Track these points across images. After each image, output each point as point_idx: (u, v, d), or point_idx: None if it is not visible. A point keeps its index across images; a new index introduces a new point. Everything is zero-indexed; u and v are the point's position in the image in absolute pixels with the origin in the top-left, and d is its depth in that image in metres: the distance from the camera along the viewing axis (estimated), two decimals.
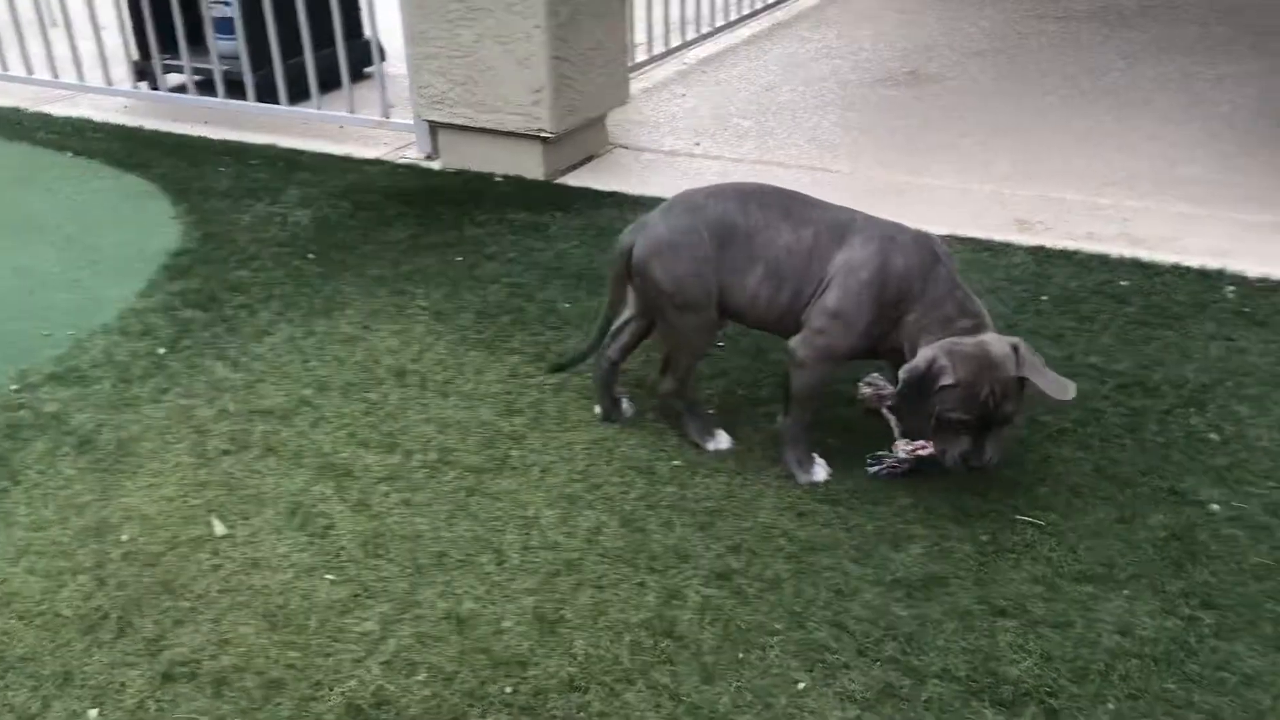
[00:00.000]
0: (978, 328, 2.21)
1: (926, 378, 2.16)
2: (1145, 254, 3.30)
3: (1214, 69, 5.03)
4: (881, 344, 2.31)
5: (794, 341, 2.34)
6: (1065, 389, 2.18)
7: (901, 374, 2.21)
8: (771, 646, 1.97)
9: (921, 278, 2.25)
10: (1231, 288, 3.09)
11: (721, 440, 2.51)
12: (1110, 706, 1.82)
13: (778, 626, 2.02)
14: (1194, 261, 3.24)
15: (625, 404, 2.65)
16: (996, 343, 2.18)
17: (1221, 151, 4.07)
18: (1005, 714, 1.82)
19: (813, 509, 2.31)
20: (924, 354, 2.18)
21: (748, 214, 2.36)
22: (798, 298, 2.33)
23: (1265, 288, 3.08)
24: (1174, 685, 1.86)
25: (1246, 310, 2.97)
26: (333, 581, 2.16)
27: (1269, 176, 3.83)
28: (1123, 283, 3.14)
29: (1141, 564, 2.12)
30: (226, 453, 2.56)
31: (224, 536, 2.29)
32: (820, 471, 2.40)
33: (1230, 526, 2.20)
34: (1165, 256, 3.28)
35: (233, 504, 2.39)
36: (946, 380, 2.14)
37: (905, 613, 2.03)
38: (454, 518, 2.32)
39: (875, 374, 2.62)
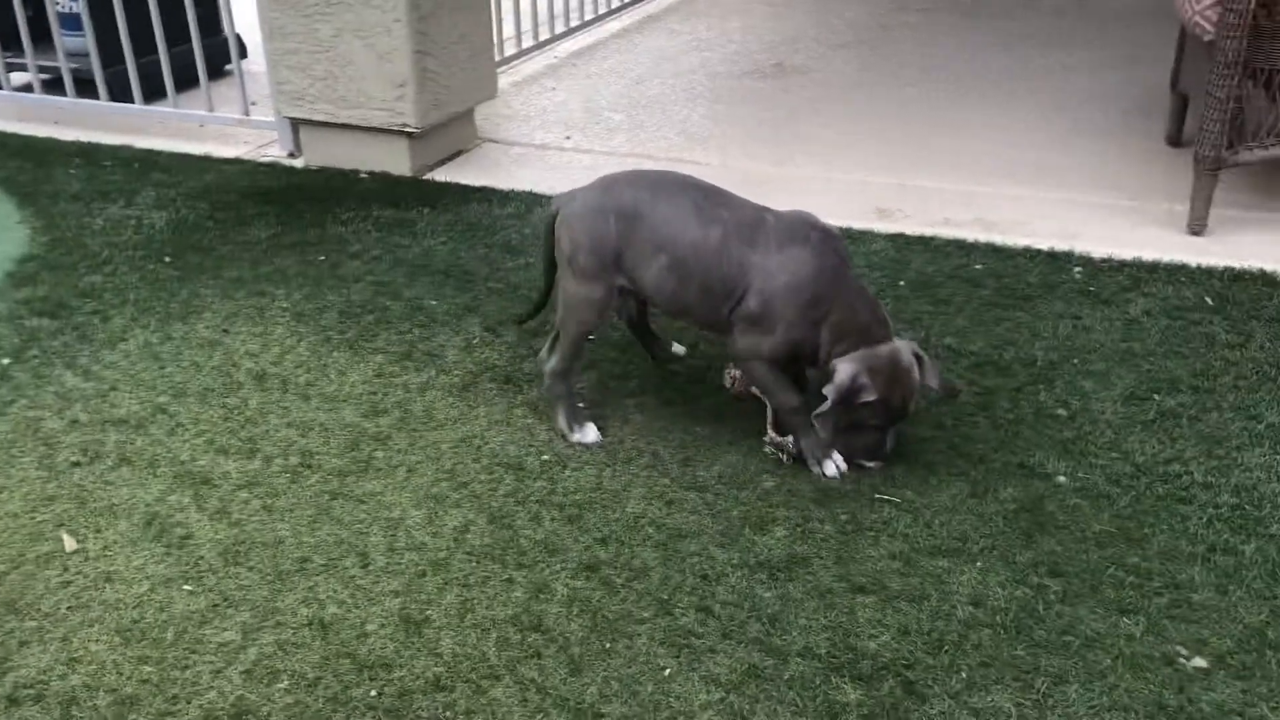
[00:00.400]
0: (886, 335, 2.33)
1: (850, 394, 2.28)
2: (998, 238, 3.42)
3: (1065, 58, 5.23)
4: (802, 347, 2.37)
5: (732, 341, 2.41)
6: (940, 381, 2.41)
7: (828, 393, 2.29)
8: (639, 635, 1.99)
9: (835, 281, 2.33)
10: (1078, 268, 3.22)
11: (588, 434, 2.51)
12: (963, 675, 1.89)
13: (645, 614, 2.03)
14: (1043, 244, 3.37)
15: (676, 347, 2.83)
16: (904, 350, 2.32)
17: (1070, 138, 4.24)
18: (864, 688, 1.87)
19: (680, 497, 2.34)
20: (845, 371, 2.29)
21: (655, 205, 2.40)
22: (706, 294, 2.38)
23: (1109, 267, 3.22)
24: (1022, 651, 1.93)
25: (1092, 289, 3.10)
26: (191, 592, 2.10)
27: (1112, 161, 4.00)
28: (977, 266, 3.25)
29: (993, 536, 2.20)
30: (77, 464, 2.47)
31: (74, 551, 2.21)
32: (831, 466, 2.39)
33: (1076, 497, 2.30)
34: (1017, 240, 3.41)
35: (84, 517, 2.31)
36: (869, 397, 2.28)
37: (769, 594, 2.07)
38: (317, 522, 2.28)
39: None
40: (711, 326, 2.46)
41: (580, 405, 2.59)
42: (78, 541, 2.24)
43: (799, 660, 1.93)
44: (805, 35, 5.81)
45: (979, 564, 2.13)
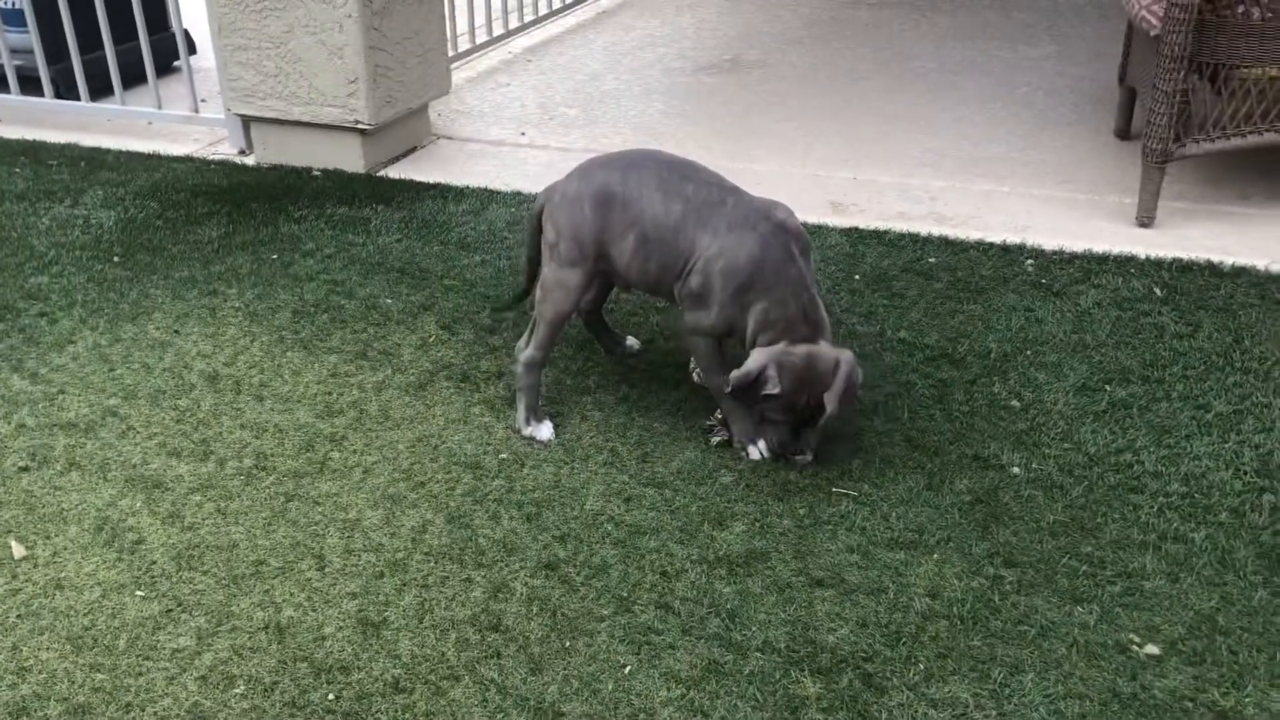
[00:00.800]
0: (814, 336, 2.33)
1: (755, 384, 2.30)
2: (951, 232, 3.45)
3: (1015, 52, 5.29)
4: (735, 328, 2.40)
5: (679, 318, 2.47)
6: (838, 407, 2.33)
7: (732, 378, 2.32)
8: (599, 632, 1.99)
9: (773, 272, 2.33)
10: (1031, 261, 3.25)
11: (542, 431, 2.51)
12: (921, 667, 1.90)
13: (605, 612, 2.03)
14: (996, 237, 3.40)
15: (630, 340, 2.85)
16: (825, 355, 2.31)
17: (1020, 131, 4.28)
18: (824, 681, 1.88)
19: (639, 493, 2.34)
20: (755, 360, 2.31)
21: (626, 183, 2.44)
22: (665, 270, 2.43)
23: (1060, 260, 3.25)
24: (979, 642, 1.95)
25: (1044, 282, 3.13)
26: (143, 598, 2.07)
27: (1062, 153, 4.05)
28: (931, 260, 3.27)
29: (949, 528, 2.22)
30: (25, 470, 2.42)
31: (23, 558, 2.17)
32: (755, 451, 2.43)
33: (1030, 488, 2.33)
34: (970, 233, 3.44)
35: (33, 523, 2.26)
36: (771, 390, 2.30)
37: (728, 589, 2.08)
38: (272, 525, 2.26)
39: None
40: (667, 298, 2.51)
41: (540, 403, 2.58)
42: (26, 548, 2.20)
43: (759, 655, 1.93)
44: (758, 30, 5.82)
45: (935, 556, 2.15)
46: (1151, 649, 1.93)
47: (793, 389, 2.29)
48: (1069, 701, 1.83)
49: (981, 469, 2.39)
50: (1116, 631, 1.96)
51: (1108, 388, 2.65)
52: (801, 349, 2.31)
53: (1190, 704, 1.82)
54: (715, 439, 2.48)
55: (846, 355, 2.32)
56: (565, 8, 6.09)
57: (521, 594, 2.07)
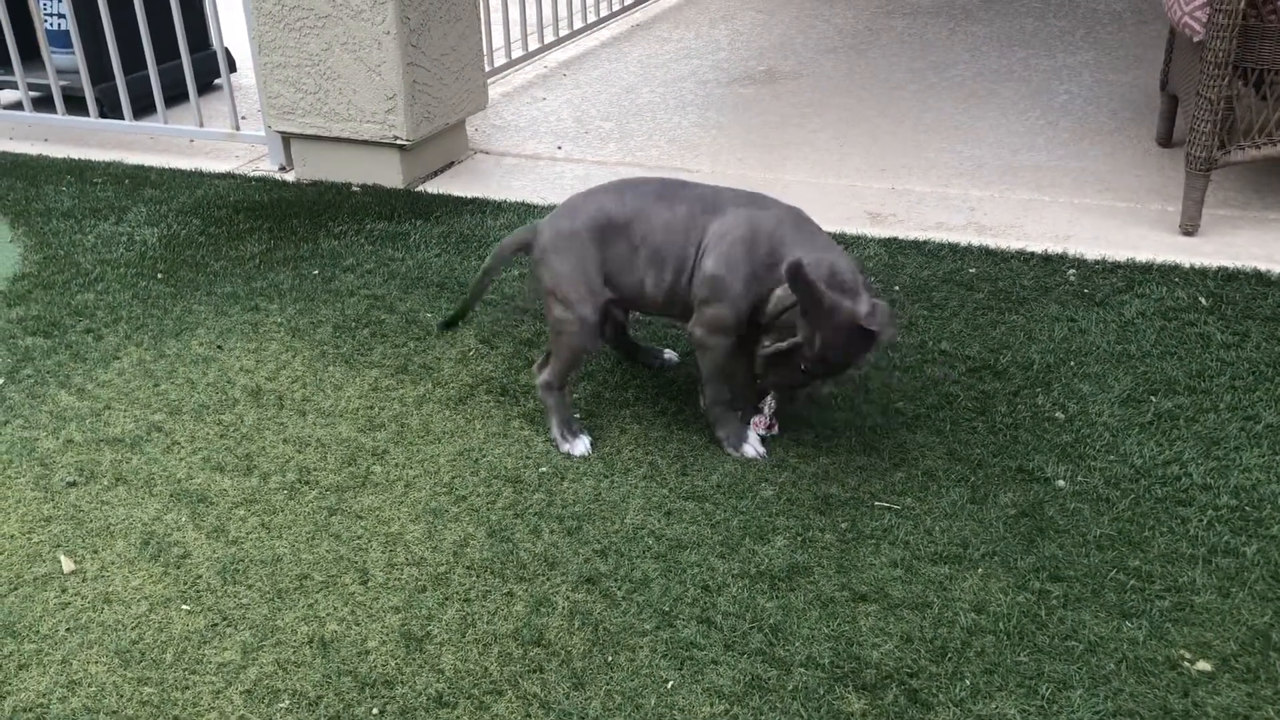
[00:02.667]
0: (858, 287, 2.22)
1: (821, 286, 2.15)
2: (992, 241, 3.42)
3: (1052, 59, 5.25)
4: (758, 310, 2.32)
5: (691, 324, 2.41)
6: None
7: (884, 328, 2.20)
8: (641, 647, 1.98)
9: (793, 240, 2.28)
10: (1073, 270, 3.22)
11: (578, 446, 2.51)
12: (967, 683, 1.88)
13: (646, 627, 2.03)
14: (1037, 246, 3.37)
15: (668, 354, 2.82)
16: (867, 305, 2.22)
17: (1061, 140, 4.25)
18: (868, 697, 1.86)
19: (679, 507, 2.33)
20: (882, 310, 2.20)
21: (624, 203, 2.43)
22: (681, 274, 2.40)
23: (1103, 269, 3.22)
24: (1025, 657, 1.93)
25: (1086, 291, 3.10)
26: (189, 612, 2.09)
27: (1103, 161, 4.01)
28: (971, 270, 3.25)
29: (994, 542, 2.19)
30: (73, 485, 2.45)
31: (72, 573, 2.20)
32: (750, 449, 2.45)
33: (1075, 501, 2.30)
34: (1011, 243, 3.41)
35: (81, 538, 2.29)
36: (828, 303, 2.17)
37: (770, 604, 2.06)
38: (315, 539, 2.27)
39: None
40: (683, 314, 2.46)
41: (575, 416, 2.58)
42: (75, 563, 2.23)
43: (802, 670, 1.92)
44: (793, 41, 5.81)
45: (980, 570, 2.13)
46: (1203, 665, 1.90)
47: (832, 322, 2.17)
48: (1119, 719, 1.80)
49: (1026, 482, 2.36)
50: (1167, 647, 1.93)
51: (1153, 399, 2.61)
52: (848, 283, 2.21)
53: None
54: (771, 434, 2.50)
55: (884, 304, 2.23)
56: (600, 21, 6.12)
57: (563, 608, 2.07)
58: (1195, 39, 3.25)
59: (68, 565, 2.22)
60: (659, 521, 2.29)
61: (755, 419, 2.53)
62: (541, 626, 2.03)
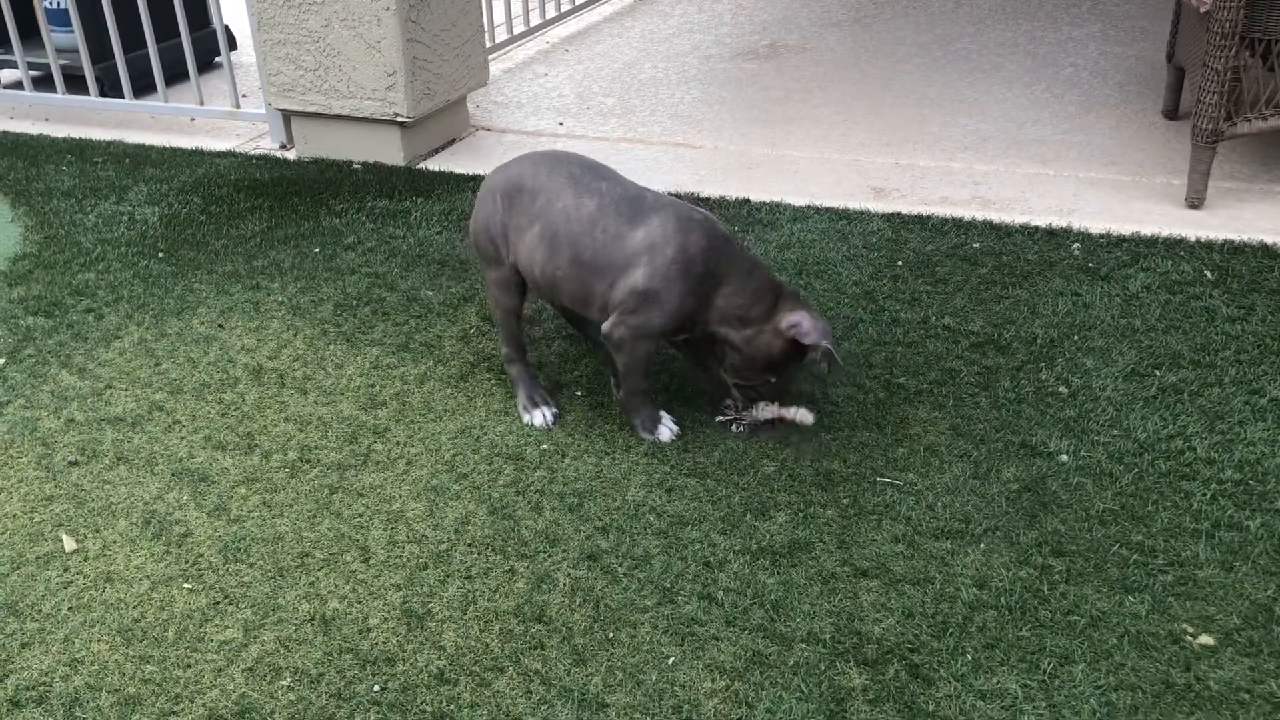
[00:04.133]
0: (778, 303, 2.32)
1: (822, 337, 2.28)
2: (996, 216, 3.40)
3: (1058, 32, 5.20)
4: (692, 322, 2.36)
5: (607, 325, 2.39)
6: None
7: (813, 338, 2.27)
8: (642, 623, 1.98)
9: (726, 257, 2.32)
10: (1077, 245, 3.20)
11: (537, 417, 2.53)
12: (969, 658, 1.88)
13: (648, 603, 2.02)
14: (1042, 221, 3.35)
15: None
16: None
17: (1066, 114, 4.21)
18: (870, 672, 1.86)
19: (681, 484, 2.33)
20: (808, 320, 2.28)
21: (536, 176, 2.44)
22: (577, 265, 2.36)
23: (1108, 243, 3.20)
24: (1028, 632, 1.92)
25: (1091, 266, 3.08)
26: (191, 590, 2.09)
27: (1109, 134, 3.97)
28: (975, 244, 3.23)
29: (996, 517, 2.19)
30: (75, 464, 2.46)
31: (74, 552, 2.20)
32: (666, 432, 2.46)
33: (1078, 475, 2.29)
34: (1015, 217, 3.39)
35: (83, 517, 2.29)
36: (815, 340, 2.28)
37: (772, 580, 2.06)
38: (316, 517, 2.27)
39: None
40: (580, 306, 2.43)
41: (540, 387, 2.61)
42: (77, 542, 2.23)
43: (803, 646, 1.92)
44: (797, 14, 5.77)
45: (982, 545, 2.12)
46: (1206, 639, 1.89)
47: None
48: (1121, 693, 1.80)
49: (1029, 457, 2.35)
50: (1169, 621, 1.93)
51: (1158, 373, 2.60)
52: (800, 300, 2.34)
53: (1247, 695, 1.79)
54: (736, 429, 2.46)
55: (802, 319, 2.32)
56: None
57: (564, 585, 2.07)
58: (1202, 9, 3.21)
59: (70, 544, 2.22)
60: (660, 498, 2.29)
61: (726, 405, 2.52)
62: (543, 603, 2.03)
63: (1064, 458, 2.34)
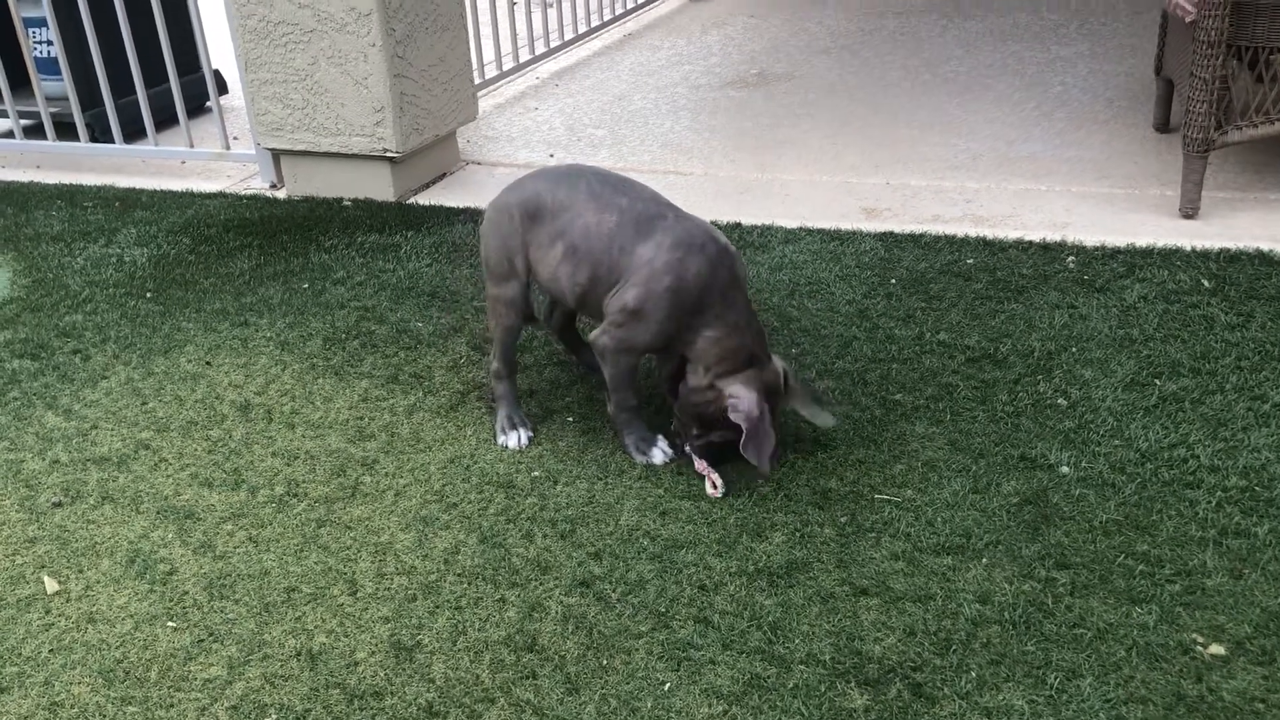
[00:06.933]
0: (755, 358, 2.30)
1: (758, 419, 2.27)
2: (989, 232, 3.37)
3: (1046, 52, 5.20)
4: (672, 344, 2.34)
5: (595, 333, 2.39)
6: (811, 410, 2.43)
7: (740, 420, 2.25)
8: (636, 650, 1.93)
9: (722, 297, 2.28)
10: (1072, 258, 3.17)
11: (511, 439, 2.50)
12: (973, 675, 1.82)
13: (642, 629, 1.97)
14: (1035, 235, 3.32)
15: None
16: (779, 371, 2.34)
17: (1057, 130, 4.20)
18: (871, 692, 1.80)
19: (675, 507, 2.28)
20: (749, 399, 2.26)
21: (555, 193, 2.42)
22: (595, 282, 2.36)
23: (1103, 255, 3.17)
24: (1033, 647, 1.87)
25: (1086, 278, 3.05)
26: (175, 629, 2.04)
27: (1100, 149, 3.96)
28: (969, 261, 3.20)
29: (998, 531, 2.14)
30: (59, 505, 2.41)
31: (56, 593, 2.15)
32: (659, 454, 2.41)
33: (1080, 487, 2.24)
34: (1008, 233, 3.36)
35: (66, 558, 2.25)
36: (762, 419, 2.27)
37: (769, 601, 2.01)
38: (304, 551, 2.22)
39: None
40: (593, 314, 2.44)
41: (520, 409, 2.58)
42: (59, 583, 2.18)
43: (803, 668, 1.86)
44: (785, 44, 5.78)
45: (984, 560, 2.07)
46: (1216, 649, 1.84)
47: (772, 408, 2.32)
48: (1131, 706, 1.74)
49: (1029, 469, 2.30)
50: (1178, 632, 1.87)
51: (1158, 382, 2.55)
52: (769, 371, 2.31)
53: (1261, 705, 1.73)
54: (688, 447, 2.41)
55: (784, 362, 2.36)
56: (591, 31, 6.10)
57: (556, 613, 2.02)
58: (1188, 19, 3.20)
59: (51, 586, 2.18)
60: (654, 522, 2.24)
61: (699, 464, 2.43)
62: (534, 632, 1.98)
63: (1065, 469, 2.29)
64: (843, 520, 2.20)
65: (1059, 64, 5.01)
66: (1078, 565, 2.04)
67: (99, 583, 2.18)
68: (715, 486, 2.32)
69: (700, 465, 2.37)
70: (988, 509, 2.20)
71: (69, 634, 2.05)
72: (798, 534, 2.18)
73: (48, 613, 2.11)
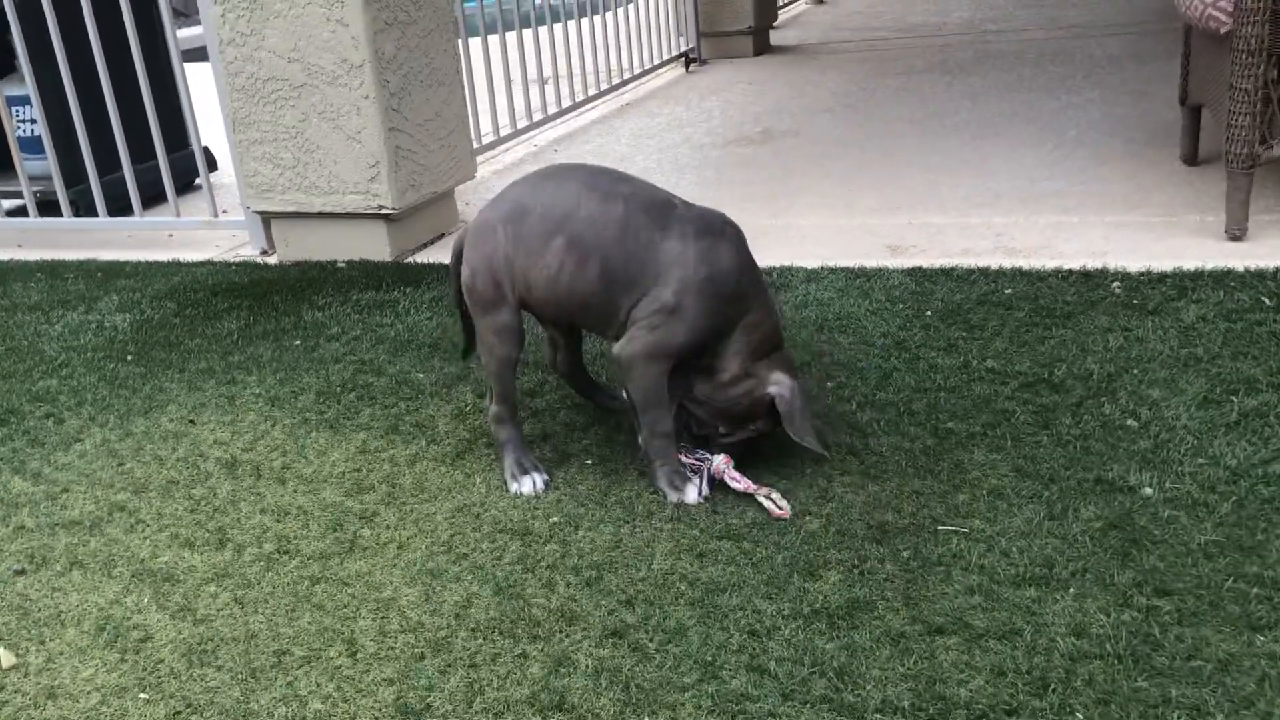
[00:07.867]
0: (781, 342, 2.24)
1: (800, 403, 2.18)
2: (1024, 263, 3.17)
3: (1056, 100, 5.08)
4: (711, 343, 2.15)
5: (618, 346, 2.15)
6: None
7: (788, 407, 2.15)
8: (682, 704, 1.66)
9: (753, 279, 2.17)
10: (1117, 284, 2.96)
11: (525, 485, 2.25)
12: (1079, 716, 1.56)
13: (687, 680, 1.70)
14: (1074, 264, 3.12)
15: (625, 393, 2.35)
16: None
17: (1079, 167, 4.03)
18: None
19: (713, 548, 2.02)
20: (786, 383, 2.17)
21: (538, 194, 2.19)
22: (609, 279, 2.12)
23: (1149, 280, 2.96)
24: (1145, 683, 1.60)
25: (1136, 302, 2.84)
26: (148, 701, 1.77)
27: (1128, 183, 3.78)
28: (1007, 290, 2.99)
29: (1083, 558, 1.88)
30: (21, 573, 2.15)
31: (12, 668, 1.88)
32: (692, 492, 2.16)
33: (1168, 508, 1.99)
34: (1045, 262, 3.16)
35: (26, 629, 1.98)
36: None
37: (831, 645, 1.74)
38: (295, 611, 1.96)
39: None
40: (600, 324, 2.20)
41: (529, 453, 2.35)
42: (17, 656, 1.91)
43: (879, 716, 1.59)
44: (787, 104, 5.68)
45: (1072, 590, 1.81)
46: None
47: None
48: None
49: (1107, 492, 2.06)
50: None
51: (1234, 399, 2.32)
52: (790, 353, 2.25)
53: None
54: (727, 476, 2.19)
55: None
56: (589, 100, 6.00)
57: (587, 666, 1.75)
58: (1222, 30, 3.05)
59: (8, 660, 1.91)
60: (691, 565, 1.98)
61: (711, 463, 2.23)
62: (562, 689, 1.71)
63: (1148, 490, 2.05)
64: (905, 555, 1.95)
65: (1071, 110, 4.88)
66: (1181, 591, 1.78)
67: (62, 654, 1.91)
68: (780, 506, 2.07)
69: (745, 485, 2.13)
70: (1067, 536, 1.95)
71: (25, 712, 1.77)
72: (856, 571, 1.92)
73: (2, 690, 1.83)
